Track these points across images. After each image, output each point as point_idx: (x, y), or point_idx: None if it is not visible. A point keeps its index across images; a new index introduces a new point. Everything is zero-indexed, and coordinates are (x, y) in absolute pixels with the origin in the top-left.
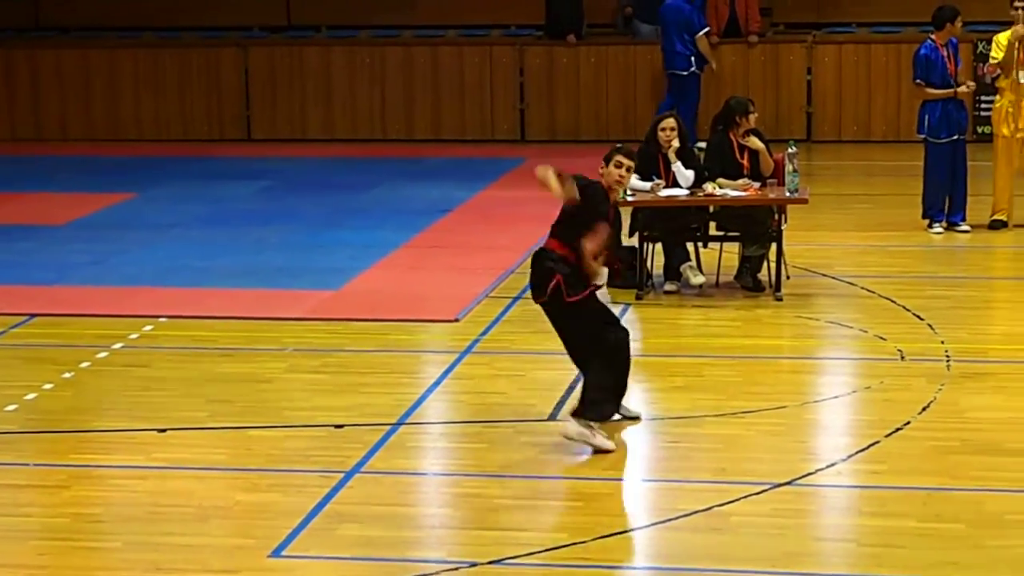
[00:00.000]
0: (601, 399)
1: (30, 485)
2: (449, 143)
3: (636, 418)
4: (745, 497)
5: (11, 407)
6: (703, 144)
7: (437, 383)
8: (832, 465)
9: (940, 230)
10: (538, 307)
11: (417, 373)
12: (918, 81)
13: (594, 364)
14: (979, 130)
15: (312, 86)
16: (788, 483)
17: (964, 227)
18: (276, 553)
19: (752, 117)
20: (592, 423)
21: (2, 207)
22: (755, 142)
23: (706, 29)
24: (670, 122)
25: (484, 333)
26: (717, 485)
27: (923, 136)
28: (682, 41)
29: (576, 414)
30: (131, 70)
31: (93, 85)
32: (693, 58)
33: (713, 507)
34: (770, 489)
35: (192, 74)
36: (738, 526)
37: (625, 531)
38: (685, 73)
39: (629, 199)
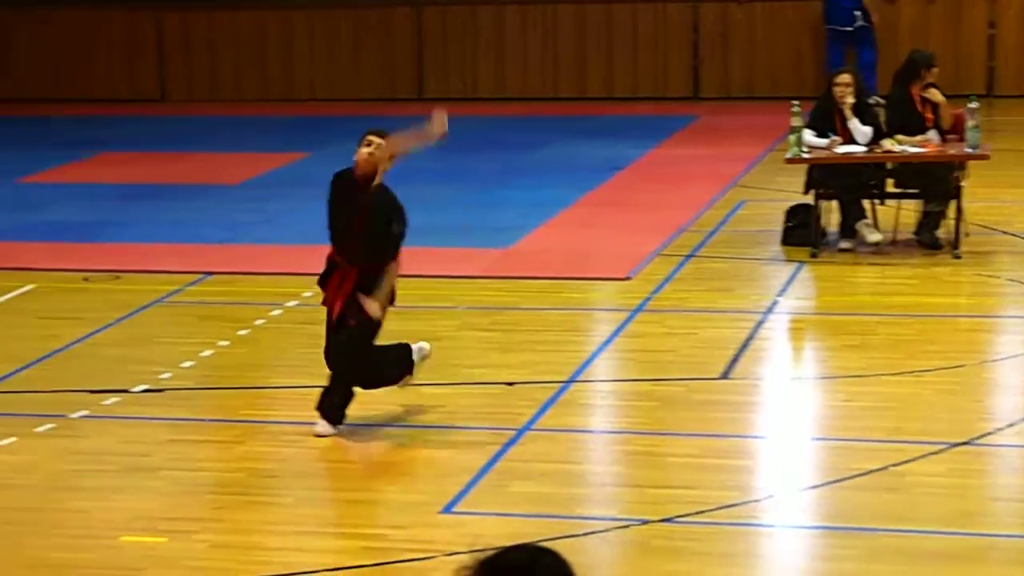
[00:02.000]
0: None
1: (206, 440)
2: (621, 101)
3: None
4: (921, 457)
5: (187, 363)
6: (880, 99)
7: (608, 341)
8: (1011, 425)
9: None
10: (711, 265)
11: (588, 331)
12: None
13: None
14: None
15: (484, 44)
16: (965, 443)
17: None
18: (447, 509)
19: (935, 71)
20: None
21: (177, 166)
22: (936, 94)
23: None
24: (845, 77)
25: (656, 291)
26: (892, 444)
27: None
28: None
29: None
30: (305, 31)
31: (267, 46)
32: (858, 12)
33: (888, 466)
34: (947, 449)
35: (365, 34)
36: (913, 486)
37: (797, 490)
38: (851, 28)
39: (805, 156)
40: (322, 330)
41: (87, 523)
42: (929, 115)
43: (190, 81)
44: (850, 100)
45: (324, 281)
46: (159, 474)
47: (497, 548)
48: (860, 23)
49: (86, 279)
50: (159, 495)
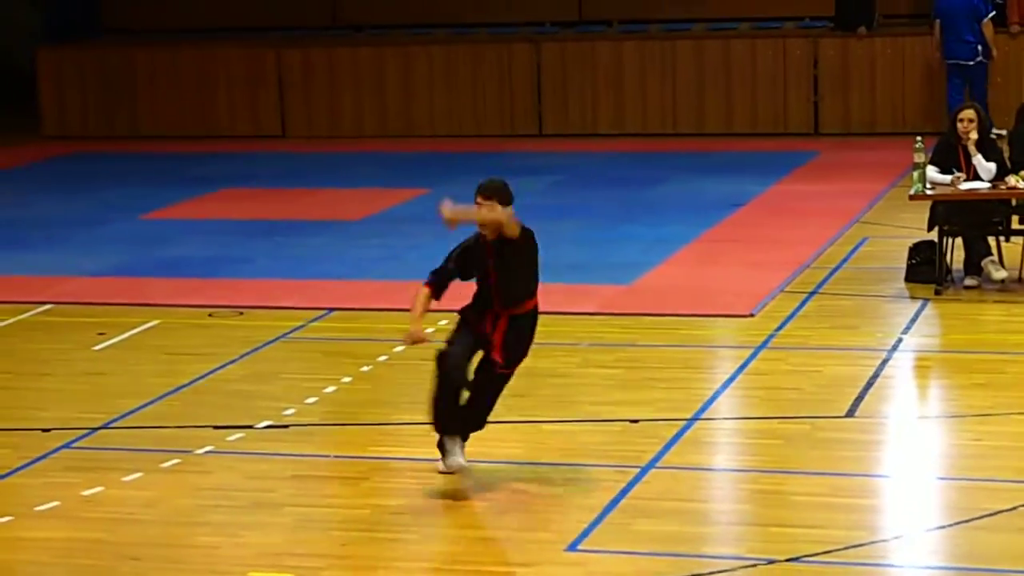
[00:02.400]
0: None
1: (331, 476)
2: (740, 137)
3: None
4: None
5: (311, 399)
6: (1001, 132)
7: (732, 379)
8: None
9: None
10: (835, 302)
11: (711, 368)
12: None
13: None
14: None
15: (603, 80)
16: None
17: None
18: (572, 547)
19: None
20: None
21: (299, 203)
22: None
23: (992, 14)
24: (969, 113)
25: (779, 328)
26: (1021, 484)
27: None
28: (970, 29)
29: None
30: (424, 67)
31: (387, 82)
32: (980, 47)
33: (1018, 507)
34: None
35: (484, 70)
36: None
37: (925, 530)
38: (972, 63)
39: (928, 192)
40: None
41: (214, 559)
42: None
43: (310, 117)
44: (974, 136)
45: (473, 312)
46: (284, 510)
47: None
48: (980, 58)
49: (210, 315)
50: (285, 531)
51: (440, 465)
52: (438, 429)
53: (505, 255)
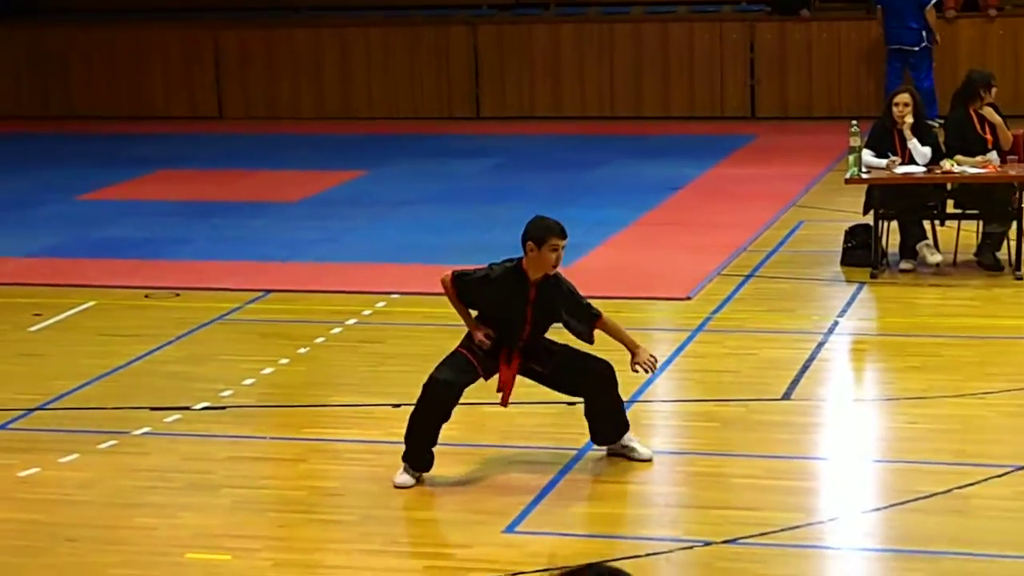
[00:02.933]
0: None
1: (268, 458)
2: (678, 120)
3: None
4: (985, 480)
5: (248, 381)
6: (939, 120)
7: (669, 361)
8: None
9: None
10: (771, 286)
11: (649, 351)
12: None
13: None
14: None
15: (540, 63)
16: None
17: None
18: (510, 528)
19: (994, 91)
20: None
21: (236, 184)
22: (993, 115)
23: (934, 1)
24: (904, 97)
25: (716, 311)
26: (956, 467)
27: None
28: (915, 16)
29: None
30: (362, 49)
31: (324, 64)
32: (924, 32)
33: (952, 489)
34: (1012, 472)
35: (422, 52)
36: (978, 509)
37: (861, 512)
38: (917, 48)
39: (864, 176)
40: (381, 348)
41: (151, 540)
42: (988, 136)
43: (247, 98)
44: (909, 120)
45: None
46: (222, 492)
47: (572, 566)
48: (925, 44)
49: (146, 296)
50: (222, 512)
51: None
52: (407, 455)
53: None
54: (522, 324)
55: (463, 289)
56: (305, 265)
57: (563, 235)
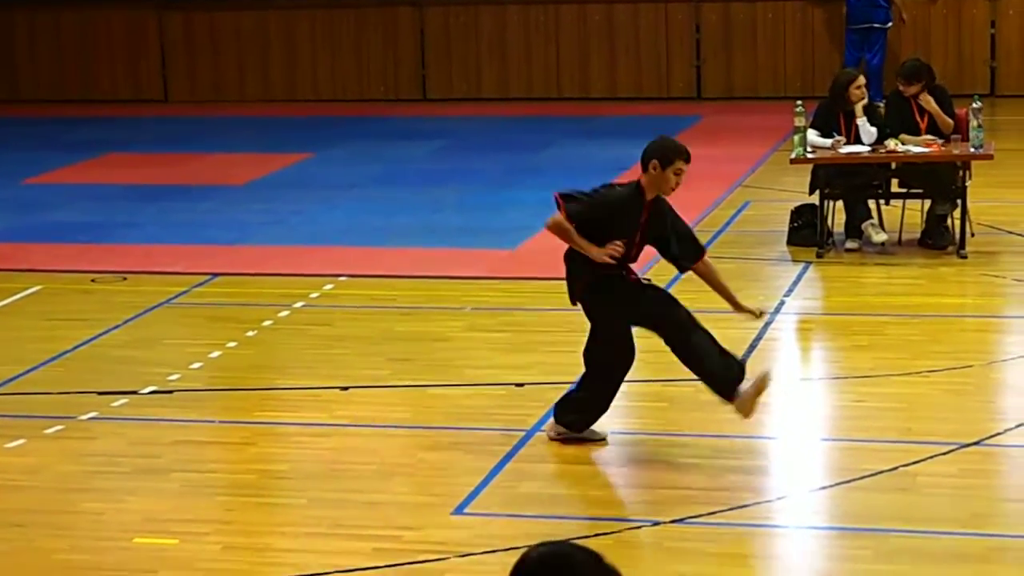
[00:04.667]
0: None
1: (216, 442)
2: (624, 101)
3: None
4: (931, 457)
5: (196, 365)
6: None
7: None
8: (1020, 425)
9: None
10: (718, 266)
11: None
12: None
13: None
14: None
15: (487, 45)
16: (975, 443)
17: None
18: (459, 511)
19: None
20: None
21: (183, 168)
22: (929, 103)
23: None
24: (862, 80)
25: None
26: (902, 445)
27: None
28: None
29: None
30: (308, 31)
31: (271, 46)
32: (889, 11)
33: (898, 467)
34: (957, 449)
35: (368, 34)
36: (924, 486)
37: (809, 491)
38: (888, 25)
39: (809, 156)
40: (329, 331)
41: (99, 525)
42: (923, 123)
43: (193, 82)
44: (864, 101)
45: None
46: (170, 476)
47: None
48: (890, 23)
49: (93, 280)
50: (170, 497)
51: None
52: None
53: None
54: (632, 245)
55: (580, 220)
56: (252, 248)
57: (688, 158)
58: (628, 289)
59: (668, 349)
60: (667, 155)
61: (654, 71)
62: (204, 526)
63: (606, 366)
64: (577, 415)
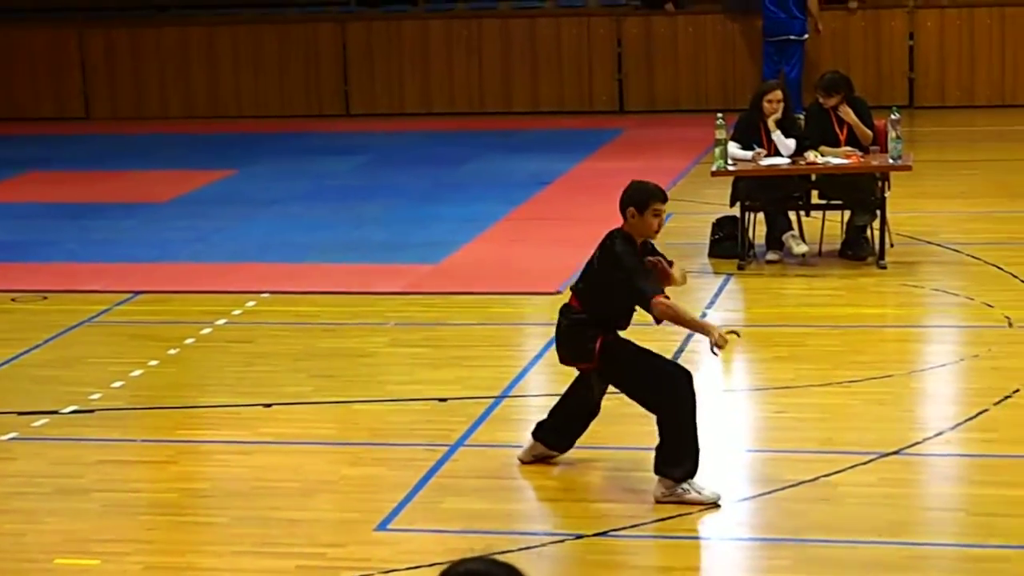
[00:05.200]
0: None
1: (138, 461)
2: (547, 115)
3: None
4: (852, 467)
5: (117, 384)
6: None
7: (539, 355)
8: (940, 434)
9: None
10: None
11: (519, 345)
12: None
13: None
14: None
15: (409, 60)
16: (895, 452)
17: None
18: (382, 527)
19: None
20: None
21: (105, 185)
22: (849, 115)
23: None
24: (777, 94)
25: None
26: (823, 455)
27: None
28: (799, 6)
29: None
30: (230, 47)
31: (192, 62)
32: (805, 23)
33: (819, 477)
34: (877, 459)
35: (290, 50)
36: (845, 496)
37: (731, 502)
38: (805, 37)
39: (730, 168)
40: (252, 348)
41: (19, 546)
42: (843, 135)
43: (114, 98)
44: (778, 116)
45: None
46: (91, 496)
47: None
48: (807, 34)
49: (13, 300)
50: (91, 517)
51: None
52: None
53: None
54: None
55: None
56: (175, 265)
57: (664, 198)
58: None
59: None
60: (642, 199)
61: (576, 85)
62: (126, 546)
63: (667, 398)
64: (676, 466)
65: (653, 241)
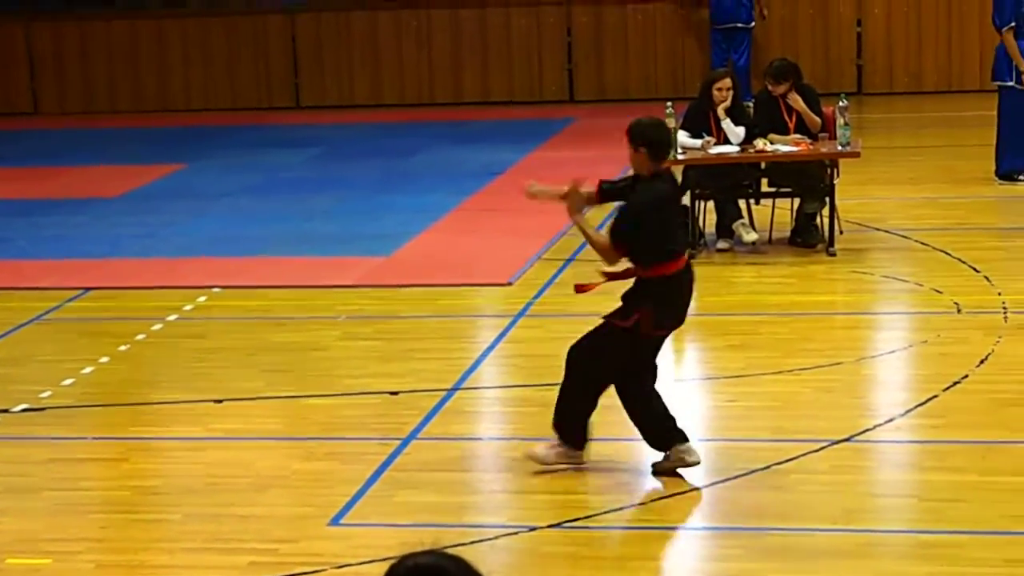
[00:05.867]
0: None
1: (89, 459)
2: (497, 105)
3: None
4: (804, 455)
5: (68, 381)
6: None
7: (491, 347)
8: (890, 420)
9: None
10: (591, 269)
11: (471, 338)
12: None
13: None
14: None
15: (359, 52)
16: (846, 439)
17: None
18: (335, 521)
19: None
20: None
21: (53, 181)
22: (797, 102)
23: None
24: (727, 82)
25: (537, 296)
26: (775, 443)
27: (1011, 83)
28: None
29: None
30: (179, 40)
31: (141, 56)
32: (752, 10)
33: (771, 465)
34: (828, 446)
35: (239, 43)
36: (797, 484)
37: (684, 492)
38: (752, 24)
39: (680, 157)
40: (203, 343)
41: None
42: (791, 122)
43: (63, 94)
44: (727, 104)
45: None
46: (42, 495)
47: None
48: (754, 22)
49: None
50: (42, 516)
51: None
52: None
53: None
54: None
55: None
56: (125, 261)
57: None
58: None
59: (540, 354)
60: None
61: (527, 75)
62: (77, 544)
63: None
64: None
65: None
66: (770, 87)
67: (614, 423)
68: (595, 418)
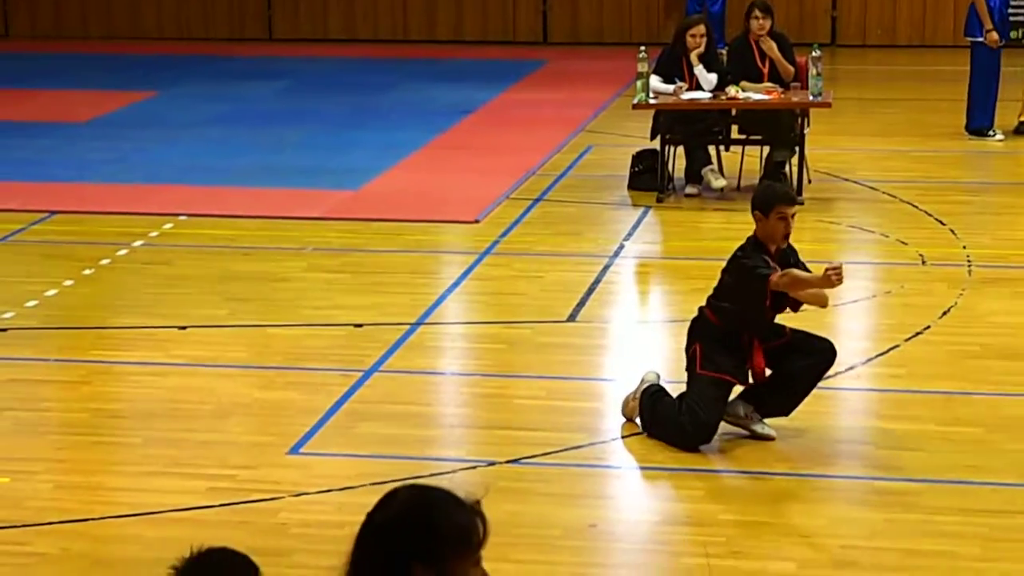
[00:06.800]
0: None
1: (50, 380)
2: (470, 44)
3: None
4: None
5: (31, 303)
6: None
7: (456, 284)
8: (851, 368)
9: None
10: (559, 209)
11: (436, 274)
12: None
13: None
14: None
15: None
16: None
17: (996, 134)
18: (295, 450)
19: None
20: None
21: (23, 104)
22: (772, 49)
23: None
24: (700, 28)
25: (504, 234)
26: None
27: (981, 39)
28: None
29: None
30: None
31: None
32: None
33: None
34: None
35: None
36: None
37: (643, 432)
38: None
39: (651, 102)
40: (168, 270)
41: None
42: (765, 69)
43: (34, 17)
44: (700, 50)
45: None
46: (2, 414)
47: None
48: None
49: None
50: (2, 435)
51: None
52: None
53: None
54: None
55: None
56: (92, 186)
57: (791, 202)
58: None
59: (505, 292)
60: (765, 201)
61: (500, 15)
62: (35, 464)
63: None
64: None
65: (788, 248)
66: (758, 21)
67: (578, 362)
68: (556, 357)
